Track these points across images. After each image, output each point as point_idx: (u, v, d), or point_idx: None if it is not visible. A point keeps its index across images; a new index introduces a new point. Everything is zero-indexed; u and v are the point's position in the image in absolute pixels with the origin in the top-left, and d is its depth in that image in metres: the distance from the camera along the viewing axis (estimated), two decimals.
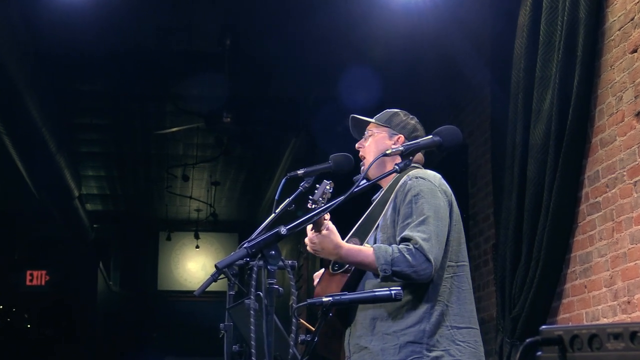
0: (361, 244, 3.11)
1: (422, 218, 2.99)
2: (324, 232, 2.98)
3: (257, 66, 8.87)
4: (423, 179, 3.09)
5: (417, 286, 3.00)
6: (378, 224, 3.16)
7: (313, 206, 2.87)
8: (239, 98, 9.29)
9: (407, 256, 2.91)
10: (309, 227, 3.02)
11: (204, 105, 9.62)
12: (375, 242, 3.14)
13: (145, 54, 8.61)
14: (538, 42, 4.95)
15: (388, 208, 3.13)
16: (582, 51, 4.52)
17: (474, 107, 6.58)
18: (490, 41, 6.03)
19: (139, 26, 7.94)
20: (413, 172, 3.14)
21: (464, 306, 3.08)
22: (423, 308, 3.01)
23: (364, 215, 3.22)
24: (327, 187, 2.96)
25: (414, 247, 2.92)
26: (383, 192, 3.22)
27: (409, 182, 3.09)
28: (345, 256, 3.02)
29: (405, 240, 2.97)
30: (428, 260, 2.92)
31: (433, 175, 3.14)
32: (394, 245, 2.96)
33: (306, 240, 3.06)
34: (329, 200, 2.90)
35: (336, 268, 3.13)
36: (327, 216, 3.00)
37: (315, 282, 3.25)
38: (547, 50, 4.87)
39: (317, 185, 2.98)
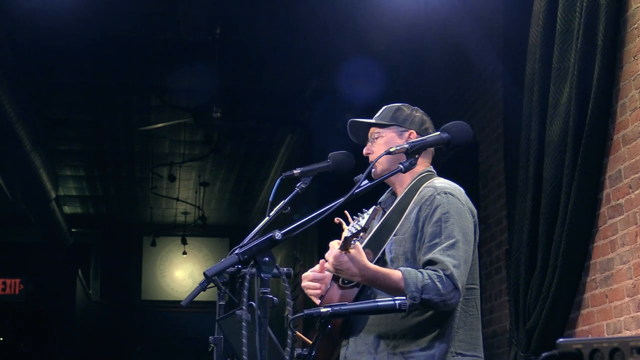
0: (374, 257, 3.10)
1: (451, 241, 2.99)
2: (352, 251, 2.96)
3: (249, 56, 8.87)
4: (452, 195, 3.09)
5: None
6: (392, 235, 3.14)
7: (361, 234, 2.84)
8: (230, 91, 9.30)
9: (438, 284, 2.91)
10: (334, 243, 2.99)
11: (191, 99, 9.63)
12: (384, 254, 3.13)
13: (128, 43, 8.61)
14: (555, 31, 4.95)
15: (407, 219, 3.11)
16: (603, 40, 4.52)
17: (485, 102, 6.58)
18: (502, 30, 6.03)
19: (121, 13, 7.94)
20: (439, 186, 3.12)
21: (471, 332, 3.09)
22: (434, 332, 3.02)
23: (378, 224, 3.20)
24: (379, 214, 2.91)
25: (444, 274, 2.93)
26: (399, 199, 3.19)
27: (437, 196, 3.07)
28: (372, 280, 2.99)
29: (432, 263, 2.97)
30: (457, 288, 2.94)
31: (459, 191, 3.14)
32: (422, 271, 2.96)
33: (329, 256, 3.02)
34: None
35: (346, 282, 3.12)
36: (362, 234, 2.98)
37: (304, 283, 3.22)
38: (565, 40, 4.87)
39: (365, 210, 2.94)
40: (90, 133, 11.73)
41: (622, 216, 4.50)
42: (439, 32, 7.33)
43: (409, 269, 2.98)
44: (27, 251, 14.52)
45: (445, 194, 3.08)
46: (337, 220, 2.87)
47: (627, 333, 4.45)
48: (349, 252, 2.94)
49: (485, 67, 6.48)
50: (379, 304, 2.72)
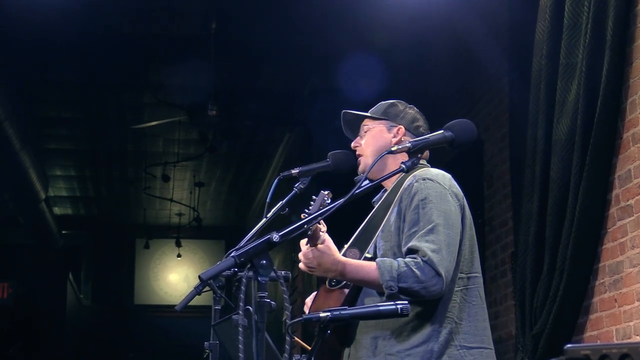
0: (361, 255, 3.10)
1: (430, 226, 2.98)
2: (320, 246, 2.96)
3: (246, 52, 8.86)
4: (431, 180, 3.08)
5: (424, 301, 2.99)
6: (380, 231, 3.14)
7: (313, 222, 2.83)
8: (226, 88, 9.30)
9: (415, 270, 2.90)
10: (303, 241, 3.00)
11: (186, 97, 9.62)
12: (375, 251, 3.14)
13: (121, 38, 8.60)
14: (562, 26, 4.95)
15: (391, 213, 3.12)
16: (612, 36, 4.52)
17: (490, 99, 6.59)
18: (508, 24, 6.03)
19: (114, 7, 7.94)
20: (420, 173, 3.12)
21: (476, 323, 3.07)
22: (430, 326, 3.01)
23: (365, 222, 3.21)
24: (325, 199, 2.93)
25: (422, 260, 2.91)
26: (386, 194, 3.21)
27: (415, 184, 3.07)
28: (345, 273, 3.00)
29: (412, 251, 2.96)
30: (438, 274, 2.91)
31: (442, 176, 3.13)
32: (399, 259, 2.95)
33: (300, 255, 3.03)
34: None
35: (333, 283, 3.12)
36: (324, 228, 2.99)
37: (307, 307, 3.23)
38: (573, 35, 4.87)
39: (314, 197, 2.96)
40: (81, 131, 11.73)
41: (632, 217, 4.50)
42: (442, 28, 7.33)
43: (384, 258, 2.99)
44: (16, 253, 14.50)
45: (424, 179, 3.08)
46: (303, 215, 2.86)
47: (637, 339, 4.45)
48: (317, 247, 2.95)
49: (490, 63, 6.48)
50: (380, 308, 2.72)
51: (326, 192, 2.94)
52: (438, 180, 3.09)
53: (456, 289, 3.05)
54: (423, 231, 2.98)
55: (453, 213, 3.05)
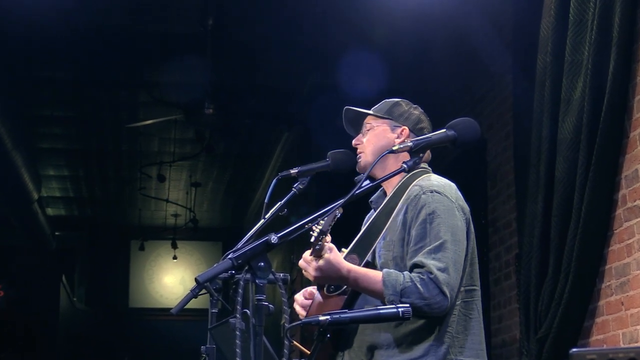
0: (360, 262, 3.09)
1: (438, 243, 2.98)
2: (327, 255, 2.94)
3: (243, 49, 8.86)
4: (439, 193, 3.07)
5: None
6: (381, 238, 3.13)
7: (321, 238, 2.82)
8: (223, 86, 9.29)
9: (420, 287, 2.90)
10: (307, 253, 2.98)
11: (182, 95, 9.61)
12: (374, 259, 3.13)
13: (116, 35, 8.60)
14: (567, 22, 4.95)
15: (395, 221, 3.11)
16: (619, 32, 4.52)
17: (494, 97, 6.59)
18: (512, 21, 6.03)
19: (109, 3, 7.93)
20: (426, 183, 3.11)
21: (472, 337, 3.08)
22: (430, 339, 3.01)
23: (365, 227, 3.20)
24: (337, 213, 2.92)
25: (428, 277, 2.91)
26: (388, 198, 3.19)
27: (422, 196, 3.07)
28: (350, 280, 2.99)
29: (417, 266, 2.96)
30: (443, 293, 2.91)
31: (449, 188, 3.13)
32: (405, 273, 2.95)
33: (302, 264, 3.01)
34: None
35: (332, 289, 3.11)
36: (329, 238, 2.97)
37: (297, 305, 3.22)
38: (578, 32, 4.87)
39: (326, 212, 2.94)
40: (74, 130, 11.72)
41: (639, 219, 4.50)
42: (445, 24, 7.33)
43: (390, 270, 2.98)
44: (8, 255, 14.49)
45: (431, 192, 3.07)
46: (315, 228, 2.85)
47: None
48: (324, 257, 2.93)
49: (494, 60, 6.48)
50: (381, 311, 2.72)
51: (339, 208, 2.94)
52: (446, 193, 3.09)
53: (456, 302, 3.05)
54: (430, 247, 2.98)
55: (460, 229, 3.05)
